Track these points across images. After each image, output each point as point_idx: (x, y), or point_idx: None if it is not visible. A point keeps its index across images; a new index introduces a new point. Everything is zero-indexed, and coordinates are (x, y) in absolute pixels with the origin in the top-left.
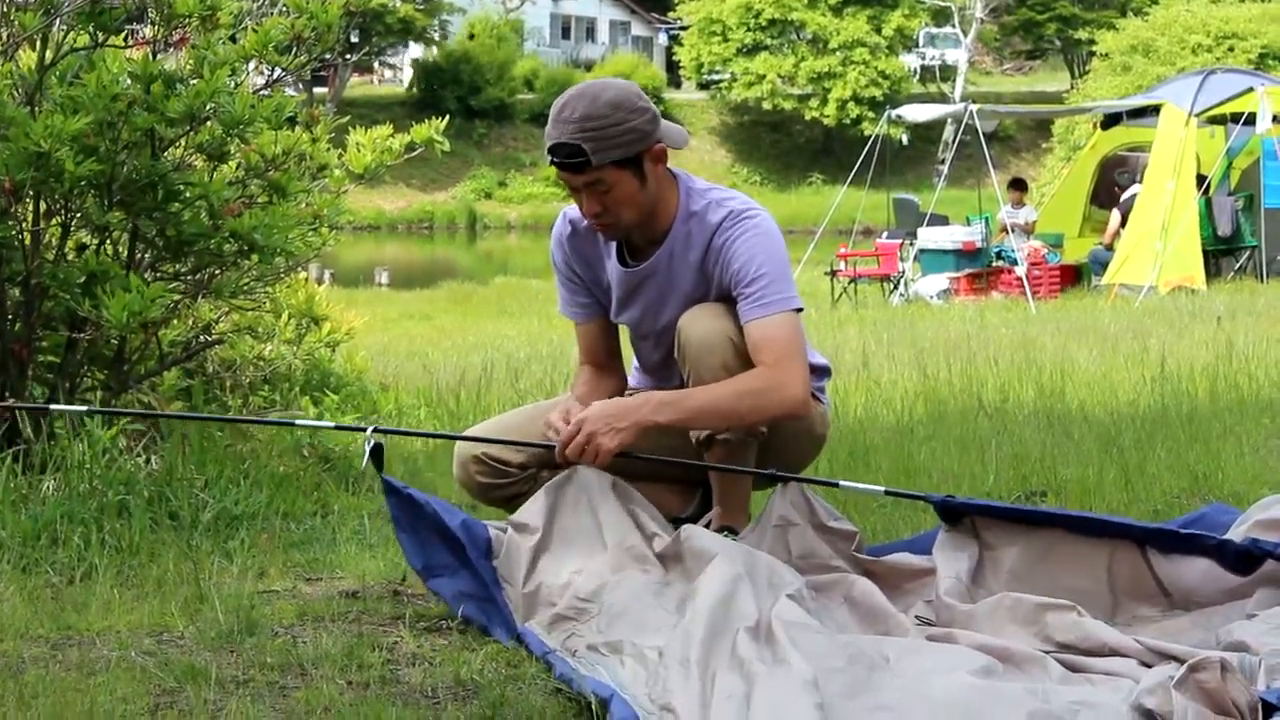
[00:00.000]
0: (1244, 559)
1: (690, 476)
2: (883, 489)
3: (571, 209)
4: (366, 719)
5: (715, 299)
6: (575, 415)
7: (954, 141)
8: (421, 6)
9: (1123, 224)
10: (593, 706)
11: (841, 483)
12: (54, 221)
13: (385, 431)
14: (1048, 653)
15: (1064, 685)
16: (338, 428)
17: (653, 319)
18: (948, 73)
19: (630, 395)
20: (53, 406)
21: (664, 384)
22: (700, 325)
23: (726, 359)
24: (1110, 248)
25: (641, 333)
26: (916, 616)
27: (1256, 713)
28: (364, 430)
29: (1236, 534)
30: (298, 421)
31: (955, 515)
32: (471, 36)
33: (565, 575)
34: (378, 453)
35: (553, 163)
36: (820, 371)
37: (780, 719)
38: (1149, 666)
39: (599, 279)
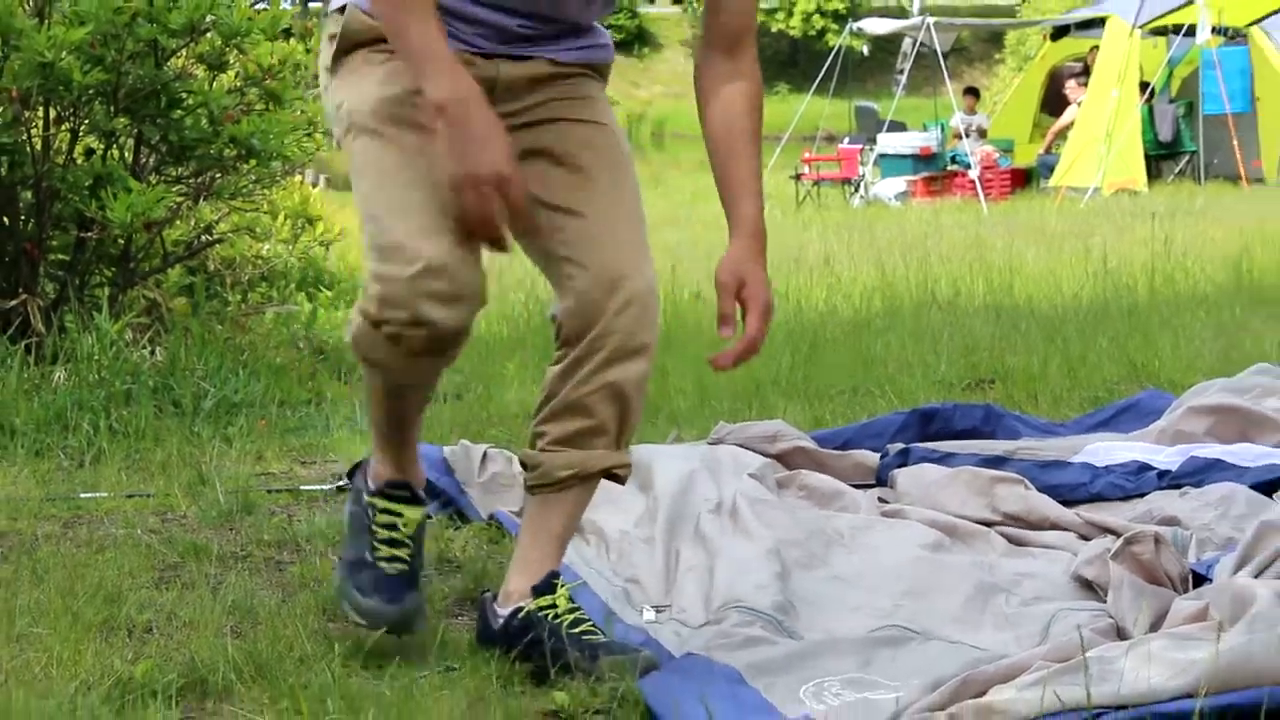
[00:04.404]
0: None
1: None
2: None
3: None
4: None
5: None
6: (753, 292)
7: (912, 53)
8: None
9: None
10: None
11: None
12: (63, 128)
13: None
14: (995, 524)
15: (1007, 558)
16: None
17: None
18: None
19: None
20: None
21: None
22: (638, 281)
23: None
24: (1050, 150)
25: None
26: (878, 498)
27: (1187, 583)
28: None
29: (1170, 419)
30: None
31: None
32: None
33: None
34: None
35: None
36: None
37: (741, 584)
38: (1087, 540)
39: None
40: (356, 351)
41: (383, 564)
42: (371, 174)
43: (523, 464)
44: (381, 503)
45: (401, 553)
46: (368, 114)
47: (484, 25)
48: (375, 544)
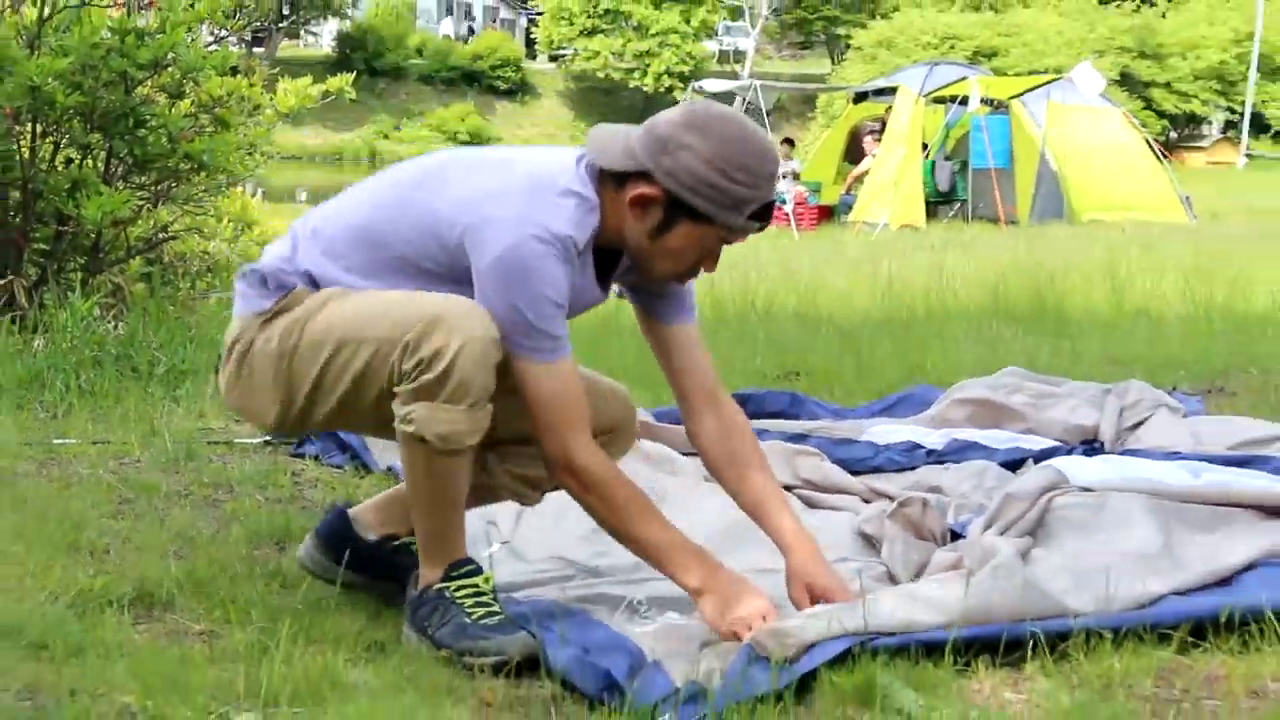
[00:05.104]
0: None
1: None
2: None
3: (560, 224)
4: (278, 524)
5: None
6: (826, 589)
7: (741, 108)
8: None
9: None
10: None
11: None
12: (47, 140)
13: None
14: (795, 488)
15: (804, 515)
16: None
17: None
18: (739, 57)
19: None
20: None
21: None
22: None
23: None
24: (849, 191)
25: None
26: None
27: (946, 538)
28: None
29: (938, 408)
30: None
31: None
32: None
33: None
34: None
35: (749, 224)
36: None
37: (564, 529)
38: (868, 503)
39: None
40: (433, 439)
41: (484, 620)
42: (354, 304)
43: None
44: (454, 584)
45: (495, 607)
46: (328, 291)
47: None
48: (469, 610)
